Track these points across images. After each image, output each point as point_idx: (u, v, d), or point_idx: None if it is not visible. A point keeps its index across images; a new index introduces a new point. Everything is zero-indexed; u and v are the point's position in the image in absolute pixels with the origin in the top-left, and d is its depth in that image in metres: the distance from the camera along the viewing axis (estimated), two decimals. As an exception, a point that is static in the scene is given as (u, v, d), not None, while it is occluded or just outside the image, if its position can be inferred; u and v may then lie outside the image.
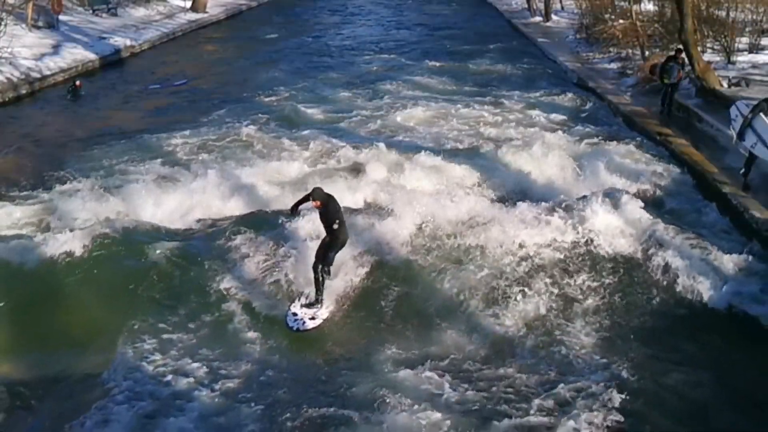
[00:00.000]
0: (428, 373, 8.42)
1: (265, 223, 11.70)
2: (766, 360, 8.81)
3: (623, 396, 7.91)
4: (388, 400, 7.89)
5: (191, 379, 8.39)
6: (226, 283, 10.15)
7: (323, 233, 9.76)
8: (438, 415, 7.65)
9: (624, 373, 8.46)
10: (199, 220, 12.39)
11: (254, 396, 8.17)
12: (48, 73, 23.44)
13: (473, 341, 9.19)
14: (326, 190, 9.86)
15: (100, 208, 12.28)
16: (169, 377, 8.40)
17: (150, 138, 16.91)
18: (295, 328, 9.33)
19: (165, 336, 9.22)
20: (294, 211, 10.26)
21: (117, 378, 8.38)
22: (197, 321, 9.55)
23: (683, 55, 17.27)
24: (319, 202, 9.48)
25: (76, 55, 25.86)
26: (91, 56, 26.41)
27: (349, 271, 10.39)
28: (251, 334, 9.33)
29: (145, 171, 14.35)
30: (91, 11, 33.60)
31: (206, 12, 38.84)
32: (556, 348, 9.02)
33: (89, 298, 9.84)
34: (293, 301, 9.77)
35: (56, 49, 25.91)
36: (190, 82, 24.16)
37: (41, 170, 14.73)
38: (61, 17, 29.43)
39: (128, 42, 29.41)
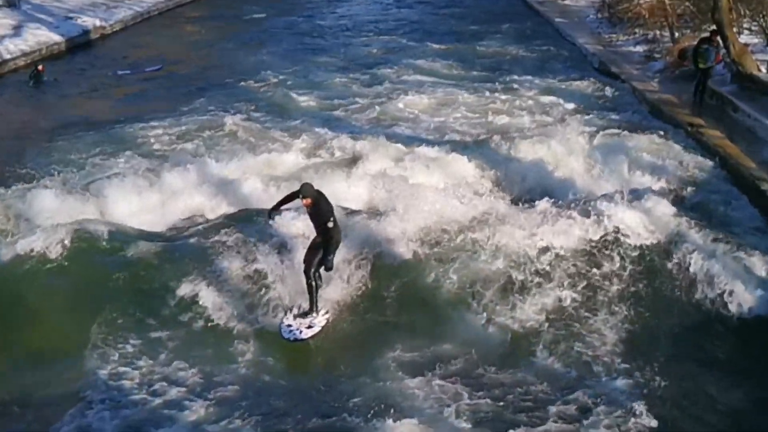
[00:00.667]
0: (438, 381, 8.63)
1: (252, 222, 11.91)
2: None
3: (648, 401, 8.14)
4: (393, 409, 8.06)
5: (180, 388, 8.60)
6: (213, 286, 10.31)
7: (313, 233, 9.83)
8: (449, 426, 7.86)
9: (648, 377, 8.71)
10: (181, 219, 12.68)
11: (248, 405, 8.36)
12: (8, 57, 23.68)
13: (485, 341, 9.46)
14: (320, 185, 9.92)
15: (72, 206, 12.49)
16: (156, 385, 8.60)
17: (123, 129, 17.21)
18: (292, 339, 9.42)
19: (149, 342, 9.43)
20: (274, 213, 10.16)
21: (98, 385, 8.57)
22: (182, 325, 9.77)
23: (718, 37, 17.41)
24: (309, 200, 9.42)
25: (39, 37, 26.07)
26: (57, 38, 26.59)
27: (349, 270, 10.63)
28: (242, 339, 9.55)
29: (119, 165, 14.63)
30: (55, -12, 33.74)
31: (183, -11, 38.99)
32: (575, 348, 9.30)
33: (64, 301, 10.01)
34: (285, 313, 9.86)
35: (17, 30, 26.17)
36: (166, 67, 24.49)
37: (2, 165, 14.88)
38: (22, -6, 29.66)
39: (98, 22, 29.60)
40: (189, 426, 8.00)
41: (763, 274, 10.39)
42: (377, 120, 17.84)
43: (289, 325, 9.59)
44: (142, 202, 12.85)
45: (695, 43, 17.84)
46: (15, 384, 8.84)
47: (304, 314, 9.74)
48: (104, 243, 10.98)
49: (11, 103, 20.54)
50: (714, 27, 18.01)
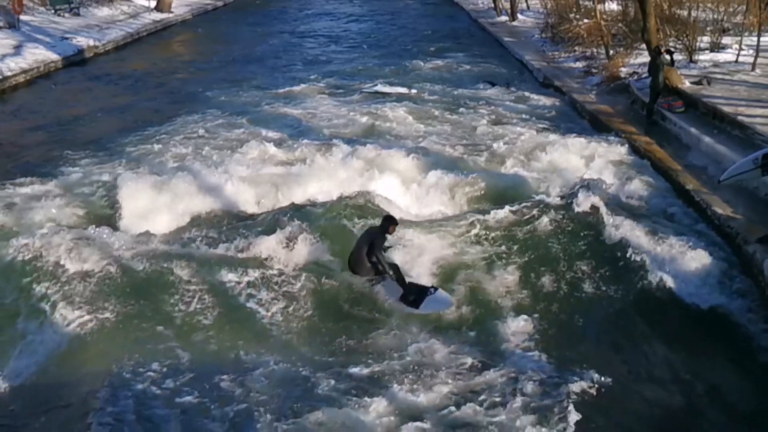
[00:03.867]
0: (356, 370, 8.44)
1: (248, 224, 11.82)
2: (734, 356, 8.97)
3: (586, 394, 7.92)
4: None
5: (177, 381, 8.18)
6: (209, 285, 9.96)
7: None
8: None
9: (586, 370, 8.40)
10: (181, 222, 12.21)
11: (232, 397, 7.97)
12: (9, 74, 23.15)
13: (426, 335, 9.27)
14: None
15: (66, 211, 12.17)
16: (152, 379, 8.17)
17: (114, 139, 16.83)
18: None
19: (145, 339, 8.97)
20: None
21: (96, 383, 8.12)
22: (180, 323, 9.36)
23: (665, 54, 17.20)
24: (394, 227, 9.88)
25: (38, 55, 25.62)
26: (54, 57, 26.14)
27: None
28: (234, 335, 9.21)
29: (117, 170, 14.20)
30: (53, 11, 33.25)
31: (171, 12, 38.59)
32: (512, 347, 9.01)
33: (64, 300, 9.42)
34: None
35: (18, 49, 25.70)
36: (155, 78, 24.06)
37: (5, 168, 14.55)
38: (23, 17, 29.13)
39: (91, 42, 29.15)
40: (181, 417, 7.62)
41: (696, 267, 10.34)
42: (333, 132, 17.25)
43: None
44: (140, 205, 12.36)
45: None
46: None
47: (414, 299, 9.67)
48: (96, 249, 10.36)
49: (11, 115, 19.98)
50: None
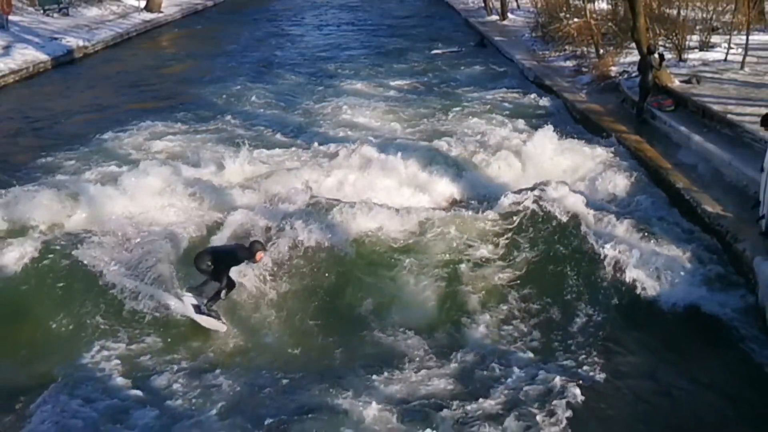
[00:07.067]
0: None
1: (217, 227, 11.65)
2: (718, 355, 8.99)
3: (574, 394, 7.92)
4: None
5: (155, 379, 8.37)
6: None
7: None
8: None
9: (572, 369, 8.52)
10: (158, 221, 12.05)
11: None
12: (-2, 74, 23.05)
13: (416, 338, 9.27)
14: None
15: (53, 211, 12.08)
16: (122, 389, 8.25)
17: (103, 139, 16.80)
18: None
19: (120, 339, 9.13)
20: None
21: (66, 388, 8.20)
22: (157, 321, 9.46)
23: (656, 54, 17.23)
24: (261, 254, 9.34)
25: (26, 56, 25.51)
26: (43, 57, 26.03)
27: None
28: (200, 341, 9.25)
29: (98, 173, 14.13)
30: (41, 11, 33.08)
31: (161, 12, 38.40)
32: (503, 347, 9.06)
33: (36, 306, 9.59)
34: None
35: (6, 50, 25.60)
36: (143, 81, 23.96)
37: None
38: (11, 17, 28.96)
39: (81, 42, 29.01)
40: (164, 417, 7.70)
41: (684, 266, 10.35)
42: (328, 130, 17.48)
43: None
44: (122, 204, 12.36)
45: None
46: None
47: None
48: (81, 249, 10.46)
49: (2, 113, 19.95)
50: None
